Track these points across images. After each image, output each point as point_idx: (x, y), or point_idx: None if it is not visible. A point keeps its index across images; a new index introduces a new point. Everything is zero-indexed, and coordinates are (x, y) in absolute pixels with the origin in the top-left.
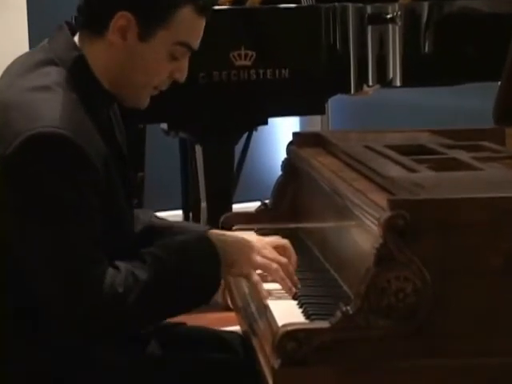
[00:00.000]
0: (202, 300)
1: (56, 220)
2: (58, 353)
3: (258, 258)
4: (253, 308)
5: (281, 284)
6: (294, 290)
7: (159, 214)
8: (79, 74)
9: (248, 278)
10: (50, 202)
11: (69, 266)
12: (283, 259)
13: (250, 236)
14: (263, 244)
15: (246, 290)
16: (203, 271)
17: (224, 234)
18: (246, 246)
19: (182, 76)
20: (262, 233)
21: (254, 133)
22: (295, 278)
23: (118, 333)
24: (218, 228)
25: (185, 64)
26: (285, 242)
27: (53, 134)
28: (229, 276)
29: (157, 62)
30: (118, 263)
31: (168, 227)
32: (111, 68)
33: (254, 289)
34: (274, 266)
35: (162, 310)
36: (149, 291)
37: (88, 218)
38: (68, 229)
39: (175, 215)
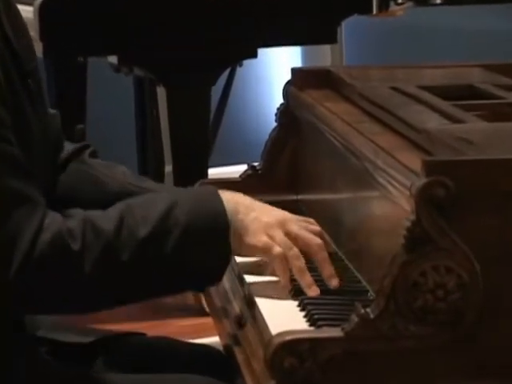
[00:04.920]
0: (193, 284)
1: None
2: None
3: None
4: (236, 310)
5: (322, 268)
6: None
7: None
8: None
9: (266, 251)
10: None
11: None
12: (317, 239)
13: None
14: (290, 217)
15: (228, 285)
16: (206, 241)
17: (234, 195)
18: (269, 214)
19: None
20: None
21: (239, 69)
22: (331, 268)
23: (62, 311)
24: None
25: None
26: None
27: None
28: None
29: None
30: (71, 209)
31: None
32: None
33: (270, 271)
34: (318, 240)
35: (131, 285)
36: (116, 254)
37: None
38: None
39: None
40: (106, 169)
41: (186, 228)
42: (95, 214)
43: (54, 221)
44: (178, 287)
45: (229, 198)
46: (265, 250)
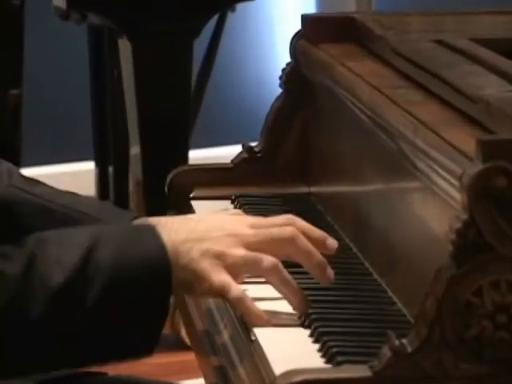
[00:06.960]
0: (118, 351)
1: None
2: None
3: (238, 253)
4: (228, 343)
5: (309, 268)
6: (331, 275)
7: (50, 170)
8: None
9: (223, 294)
10: None
11: None
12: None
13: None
14: (241, 223)
15: (214, 308)
16: (139, 294)
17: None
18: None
19: None
20: (244, 203)
21: (230, 16)
22: (320, 257)
23: None
24: (159, 197)
25: None
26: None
27: None
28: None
29: None
30: None
31: (45, 208)
32: None
33: (242, 312)
34: (269, 259)
35: (38, 351)
36: (22, 309)
37: None
38: None
39: (83, 171)
40: None
41: (111, 277)
42: None
43: None
44: (100, 355)
45: (167, 236)
46: (221, 294)
